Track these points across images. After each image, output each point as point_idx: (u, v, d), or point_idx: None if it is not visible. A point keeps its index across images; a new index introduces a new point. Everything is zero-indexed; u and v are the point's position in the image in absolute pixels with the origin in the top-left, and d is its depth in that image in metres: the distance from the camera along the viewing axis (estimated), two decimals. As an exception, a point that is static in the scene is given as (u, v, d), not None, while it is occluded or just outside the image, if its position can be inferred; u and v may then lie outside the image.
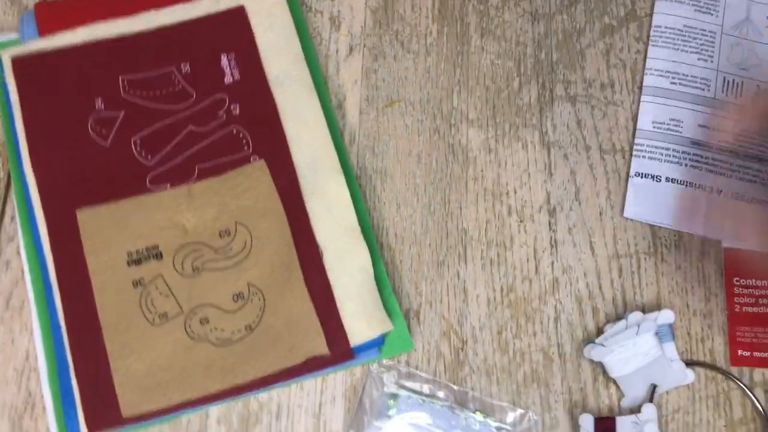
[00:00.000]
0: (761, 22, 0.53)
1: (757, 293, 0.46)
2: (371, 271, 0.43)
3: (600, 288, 0.46)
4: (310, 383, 0.43)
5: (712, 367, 0.44)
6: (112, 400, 0.40)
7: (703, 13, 0.53)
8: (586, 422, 0.42)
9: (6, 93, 0.45)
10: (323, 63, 0.50)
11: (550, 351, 0.44)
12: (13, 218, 0.45)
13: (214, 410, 0.43)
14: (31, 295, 0.43)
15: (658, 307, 0.45)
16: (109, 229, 0.43)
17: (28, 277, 0.43)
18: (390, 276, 0.45)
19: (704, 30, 0.52)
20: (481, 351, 0.44)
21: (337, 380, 0.43)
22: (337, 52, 0.50)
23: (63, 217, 0.43)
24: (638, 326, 0.43)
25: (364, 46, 0.50)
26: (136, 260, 0.42)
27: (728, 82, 0.51)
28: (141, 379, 0.40)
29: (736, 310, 0.45)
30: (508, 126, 0.49)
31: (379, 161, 0.48)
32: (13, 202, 0.45)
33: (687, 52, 0.52)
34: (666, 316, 0.43)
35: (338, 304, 0.42)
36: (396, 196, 0.47)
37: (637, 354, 0.43)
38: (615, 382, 0.44)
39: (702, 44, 0.52)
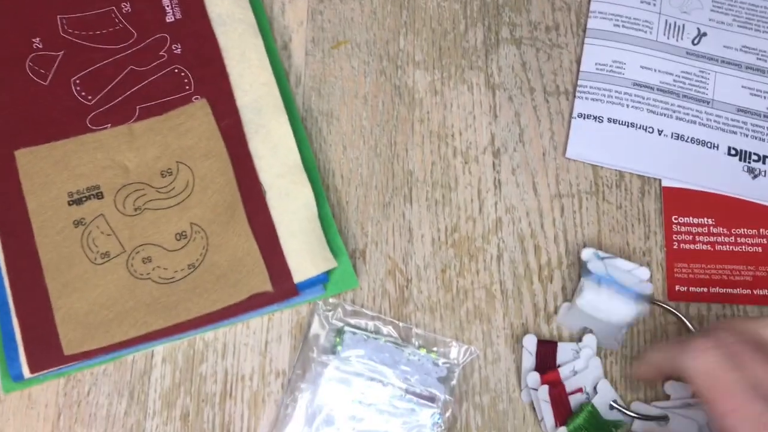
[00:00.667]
0: (704, -34, 0.53)
1: (694, 231, 0.47)
2: (315, 209, 0.43)
3: (542, 227, 0.47)
4: (256, 322, 0.44)
5: (654, 302, 0.45)
6: (54, 339, 0.40)
7: (649, -42, 0.53)
8: (529, 343, 0.43)
9: (-61, 32, 0.44)
10: (268, 3, 0.49)
11: (493, 288, 0.45)
12: (-50, 160, 0.45)
13: (160, 349, 0.43)
14: (-30, 237, 0.42)
15: (599, 244, 0.46)
16: (49, 169, 0.42)
17: (-34, 219, 0.43)
18: (336, 217, 0.46)
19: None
20: (425, 289, 0.45)
21: (283, 319, 0.44)
22: (282, -7, 0.50)
23: (2, 157, 0.42)
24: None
25: (310, -13, 0.50)
26: (76, 200, 0.42)
27: (670, 24, 0.52)
28: (83, 317, 0.40)
29: (675, 247, 0.46)
30: (454, 68, 0.49)
31: (325, 103, 0.48)
32: (-50, 145, 0.45)
33: (632, -2, 0.52)
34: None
35: (282, 242, 0.42)
36: (342, 138, 0.47)
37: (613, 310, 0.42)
38: (555, 313, 0.45)
39: (647, -14, 0.53)
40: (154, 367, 0.43)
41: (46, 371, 0.40)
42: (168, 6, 0.46)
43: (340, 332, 0.43)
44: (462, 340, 0.44)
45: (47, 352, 0.39)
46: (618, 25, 0.51)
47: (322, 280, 0.42)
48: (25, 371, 0.39)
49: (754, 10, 0.52)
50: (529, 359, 0.43)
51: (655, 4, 0.52)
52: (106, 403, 0.42)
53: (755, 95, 0.50)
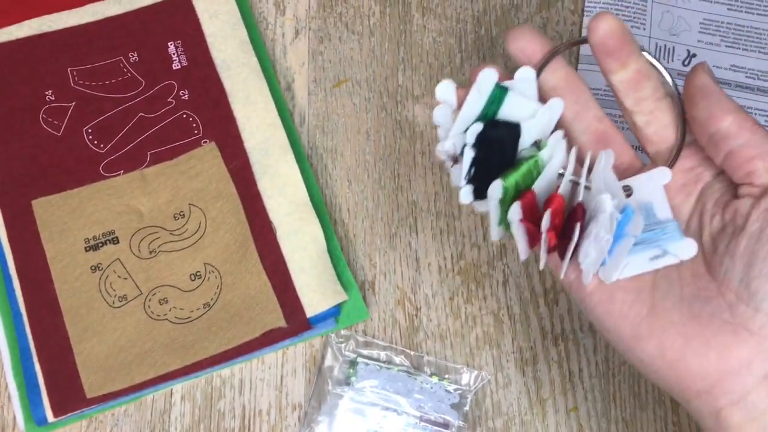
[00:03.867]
0: (690, -10, 0.55)
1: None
2: (324, 244, 0.44)
3: (546, 251, 0.48)
4: (271, 357, 0.45)
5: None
6: (76, 382, 0.41)
7: (636, -17, 0.55)
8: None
9: (-45, 89, 0.46)
10: (270, 47, 0.51)
11: (500, 313, 0.46)
12: (-31, 212, 0.46)
13: (178, 388, 0.44)
14: (-10, 287, 0.44)
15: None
16: (65, 217, 0.43)
17: (-14, 268, 0.44)
18: (344, 250, 0.47)
19: (636, 0, 0.55)
20: (434, 317, 0.46)
21: (297, 353, 0.45)
22: (283, 35, 0.51)
23: (19, 207, 0.44)
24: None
25: (310, 29, 0.52)
26: (93, 246, 0.43)
27: (660, 47, 0.53)
28: (103, 360, 0.41)
29: (675, 264, 0.48)
30: (452, 100, 0.51)
31: (329, 140, 0.49)
32: (-32, 197, 0.46)
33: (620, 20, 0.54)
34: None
35: (293, 278, 0.43)
36: (347, 173, 0.49)
37: None
38: (564, 340, 0.46)
39: (635, 13, 0.54)
40: (173, 406, 0.44)
41: (69, 414, 0.41)
42: (174, 54, 0.48)
43: (353, 363, 0.44)
44: (473, 366, 0.45)
45: (70, 396, 0.40)
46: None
47: (334, 313, 0.44)
48: (49, 415, 0.40)
49: (740, 30, 0.54)
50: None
51: (645, 29, 0.54)
52: (128, 443, 0.43)
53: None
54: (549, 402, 0.45)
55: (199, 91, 0.47)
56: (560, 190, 0.32)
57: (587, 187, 0.32)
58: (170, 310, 0.42)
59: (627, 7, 0.54)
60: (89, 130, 0.46)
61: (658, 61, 0.31)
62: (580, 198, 0.32)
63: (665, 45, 0.53)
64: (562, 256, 0.32)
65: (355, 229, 0.48)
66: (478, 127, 0.31)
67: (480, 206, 0.33)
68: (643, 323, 0.31)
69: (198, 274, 0.43)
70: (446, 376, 0.44)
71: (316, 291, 0.43)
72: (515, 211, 0.31)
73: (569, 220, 0.32)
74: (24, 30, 0.47)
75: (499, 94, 0.31)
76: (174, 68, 0.47)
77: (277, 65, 0.51)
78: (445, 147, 0.32)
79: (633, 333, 0.32)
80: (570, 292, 0.34)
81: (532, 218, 0.32)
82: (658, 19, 0.54)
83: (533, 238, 0.32)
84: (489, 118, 0.32)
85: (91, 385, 0.41)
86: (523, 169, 0.31)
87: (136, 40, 0.48)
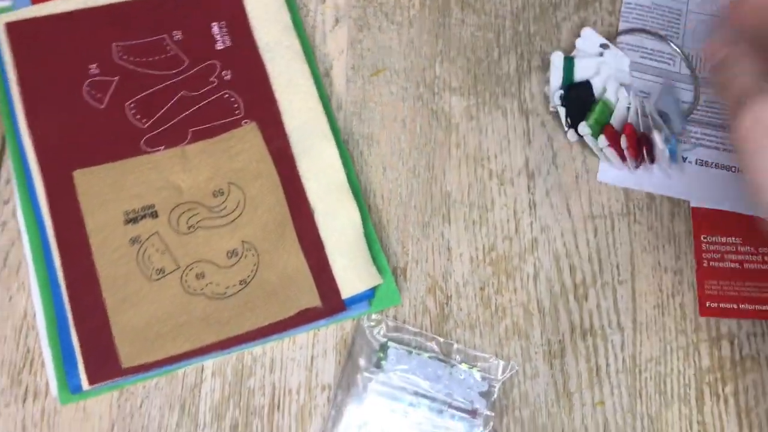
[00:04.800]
0: (724, -1, 0.56)
1: (722, 249, 0.48)
2: (361, 227, 0.45)
3: (576, 247, 0.48)
4: (302, 337, 0.45)
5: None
6: (111, 352, 0.41)
7: (670, -9, 0.56)
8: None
9: (0, 58, 0.46)
10: (310, 33, 0.51)
11: (530, 306, 0.47)
12: (8, 181, 0.46)
13: (209, 363, 0.44)
14: (28, 255, 0.44)
15: (631, 265, 0.48)
16: (105, 189, 0.44)
17: (25, 237, 0.44)
18: (377, 235, 0.47)
19: (671, 7, 0.55)
20: (465, 306, 0.46)
21: (328, 334, 0.45)
22: (323, 22, 0.52)
23: (60, 178, 0.44)
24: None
25: (350, 17, 0.52)
26: (132, 219, 0.44)
27: (693, 56, 0.54)
28: (139, 331, 0.41)
29: (704, 265, 0.48)
30: (489, 94, 0.51)
31: (366, 127, 0.50)
32: (8, 166, 0.46)
33: (655, 28, 0.54)
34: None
35: (330, 259, 0.43)
36: (382, 160, 0.49)
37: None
38: (592, 335, 0.46)
39: (669, 21, 0.55)
40: (204, 381, 0.44)
41: (103, 383, 0.41)
42: (218, 34, 0.48)
43: (384, 347, 0.44)
44: (501, 356, 0.46)
45: (105, 365, 0.41)
46: (644, 57, 0.53)
47: (368, 296, 0.44)
48: (84, 383, 0.41)
49: (773, 39, 0.54)
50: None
51: (678, 37, 0.54)
52: (158, 415, 0.43)
53: None
54: (576, 395, 0.45)
55: (242, 72, 0.47)
56: (629, 119, 0.49)
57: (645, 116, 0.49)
58: (206, 286, 0.43)
59: (662, 15, 0.55)
60: (131, 105, 0.46)
61: (690, 68, 0.44)
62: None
63: (698, 54, 0.54)
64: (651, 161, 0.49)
65: (388, 215, 0.48)
66: (560, 92, 0.50)
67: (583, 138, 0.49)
68: None
69: (235, 251, 0.43)
70: (475, 364, 0.45)
71: (352, 273, 0.43)
72: (602, 140, 0.48)
73: (640, 141, 0.48)
74: (72, 3, 0.47)
75: (568, 64, 0.50)
76: (217, 48, 0.48)
77: (316, 51, 0.51)
78: (549, 108, 0.51)
79: None
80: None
81: (615, 142, 0.48)
82: (693, 27, 0.55)
83: (621, 155, 0.48)
84: (568, 81, 0.50)
85: (126, 355, 0.41)
86: (597, 110, 0.49)
87: (180, 19, 0.48)
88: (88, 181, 0.44)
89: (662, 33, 0.54)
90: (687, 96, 0.52)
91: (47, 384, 0.43)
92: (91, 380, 0.40)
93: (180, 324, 0.42)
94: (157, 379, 0.43)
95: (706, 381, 0.46)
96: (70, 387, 0.41)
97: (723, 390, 0.45)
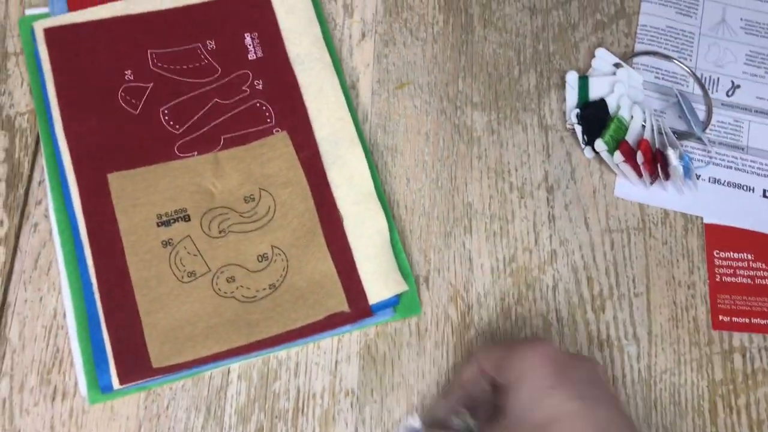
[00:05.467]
0: (735, 23, 0.58)
1: (735, 265, 0.50)
2: (388, 235, 0.46)
3: (594, 259, 0.50)
4: (327, 342, 0.46)
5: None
6: (142, 352, 0.42)
7: (684, 15, 0.58)
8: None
9: (38, 62, 0.47)
10: (337, 47, 0.53)
11: (549, 316, 0.48)
12: (41, 183, 0.47)
13: (236, 367, 0.45)
14: (60, 255, 0.44)
15: (647, 278, 0.49)
16: (139, 192, 0.45)
17: (57, 238, 0.45)
18: (402, 244, 0.48)
19: (684, 30, 0.57)
20: (485, 316, 0.48)
21: (352, 340, 0.46)
22: (350, 37, 0.53)
23: (95, 180, 0.45)
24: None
25: (376, 32, 0.54)
26: (165, 222, 0.44)
27: (705, 78, 0.56)
28: (170, 332, 0.42)
29: (717, 280, 0.49)
30: (509, 110, 0.53)
31: (390, 139, 0.51)
32: (41, 168, 0.47)
33: (668, 50, 0.56)
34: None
35: (358, 265, 0.44)
36: (406, 171, 0.50)
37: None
38: (609, 346, 0.47)
39: (682, 44, 0.57)
40: (230, 384, 0.44)
41: (134, 383, 0.41)
42: (250, 45, 0.49)
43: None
44: (521, 364, 0.46)
45: (136, 365, 0.41)
46: (659, 78, 0.55)
47: (394, 303, 0.45)
48: (115, 382, 0.41)
49: (784, 64, 0.56)
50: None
51: (691, 59, 0.56)
52: (184, 417, 0.44)
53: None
54: (593, 404, 0.46)
55: (273, 81, 0.48)
56: (645, 136, 0.51)
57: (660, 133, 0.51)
58: (237, 289, 0.44)
59: (675, 37, 0.57)
60: (165, 111, 0.47)
61: (703, 89, 0.47)
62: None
63: (710, 76, 0.56)
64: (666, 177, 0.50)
65: (411, 225, 0.49)
66: (576, 111, 0.52)
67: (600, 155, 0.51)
68: None
69: (265, 255, 0.44)
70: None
71: (379, 279, 0.44)
72: (618, 156, 0.50)
73: (655, 157, 0.50)
74: (108, 11, 0.48)
75: (583, 83, 0.53)
76: (249, 58, 0.49)
77: (343, 64, 0.52)
78: (567, 125, 0.53)
79: None
80: None
81: (630, 158, 0.50)
82: (705, 50, 0.57)
83: (637, 171, 0.50)
84: (584, 100, 0.53)
85: (157, 356, 0.42)
86: (612, 127, 0.51)
87: (214, 28, 0.49)
88: (122, 184, 0.45)
89: (674, 55, 0.56)
90: (700, 115, 0.54)
91: (76, 384, 0.43)
92: (122, 380, 0.41)
93: (210, 326, 0.43)
94: (183, 381, 0.44)
95: (719, 393, 0.47)
96: (100, 386, 0.41)
97: (735, 402, 0.47)
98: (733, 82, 0.56)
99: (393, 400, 0.45)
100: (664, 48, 0.56)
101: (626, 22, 0.56)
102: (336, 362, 0.46)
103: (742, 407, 0.47)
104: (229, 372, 0.45)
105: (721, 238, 0.50)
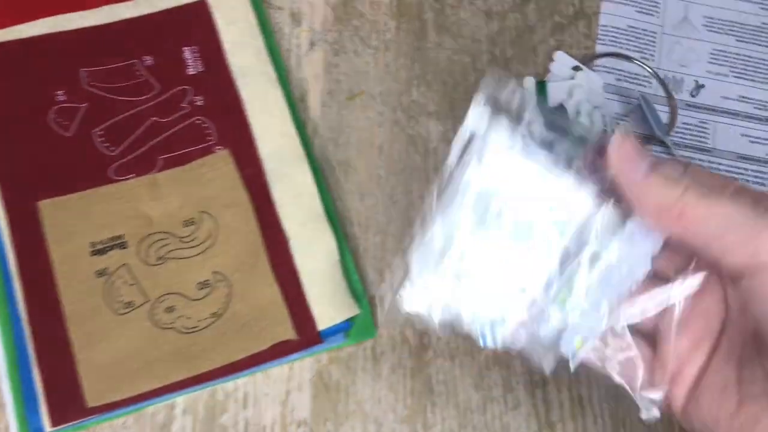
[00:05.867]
0: (698, 21, 0.56)
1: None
2: (337, 257, 0.43)
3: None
4: (277, 371, 0.43)
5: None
6: (76, 391, 0.39)
7: (645, 14, 0.56)
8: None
9: (-38, 84, 0.44)
10: (285, 57, 0.50)
11: (511, 334, 0.46)
12: (-31, 211, 0.45)
13: (180, 400, 0.42)
14: (-12, 290, 0.42)
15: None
16: (72, 220, 0.42)
17: (-15, 271, 0.42)
18: (355, 264, 0.46)
19: (646, 30, 0.55)
20: (444, 336, 0.45)
21: (303, 367, 0.44)
22: (298, 46, 0.51)
23: (24, 208, 0.42)
24: None
25: (325, 41, 0.51)
26: (100, 250, 0.42)
27: (669, 78, 0.54)
28: (106, 368, 0.40)
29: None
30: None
31: (342, 153, 0.49)
32: (-31, 196, 0.45)
33: (630, 50, 0.54)
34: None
35: (305, 290, 0.42)
36: (359, 187, 0.48)
37: None
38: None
39: (644, 44, 0.55)
40: (174, 419, 0.42)
41: (67, 425, 0.39)
42: (190, 59, 0.47)
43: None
44: (481, 387, 0.44)
45: (70, 405, 0.39)
46: (621, 80, 0.53)
47: (345, 327, 0.43)
48: (46, 425, 0.39)
49: (748, 61, 0.55)
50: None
51: (654, 60, 0.54)
52: (126, 456, 0.41)
53: (755, 142, 0.52)
54: (558, 425, 0.44)
55: (214, 97, 0.46)
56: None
57: None
58: (177, 319, 0.41)
59: (637, 37, 0.55)
60: (100, 133, 0.45)
61: (666, 90, 0.40)
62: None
63: (674, 76, 0.54)
64: None
65: (366, 243, 0.47)
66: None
67: None
68: (734, 422, 0.29)
69: (207, 282, 0.42)
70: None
71: (328, 304, 0.42)
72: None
73: None
74: (37, 28, 0.46)
75: (541, 88, 0.49)
76: (189, 73, 0.47)
77: (290, 76, 0.50)
78: None
79: None
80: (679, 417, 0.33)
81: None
82: (668, 50, 0.55)
83: None
84: (543, 104, 0.48)
85: (92, 394, 0.39)
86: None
87: (151, 43, 0.47)
88: (54, 212, 0.42)
89: (636, 55, 0.54)
90: (664, 118, 0.52)
91: (8, 428, 0.41)
92: (55, 422, 0.39)
93: (149, 360, 0.40)
94: (124, 419, 0.42)
95: (690, 408, 0.45)
96: (31, 429, 0.39)
97: (707, 418, 0.45)
98: (697, 82, 0.54)
99: (348, 429, 0.43)
100: (626, 48, 0.54)
101: (586, 23, 0.54)
102: (287, 392, 0.43)
103: None
104: (173, 406, 0.42)
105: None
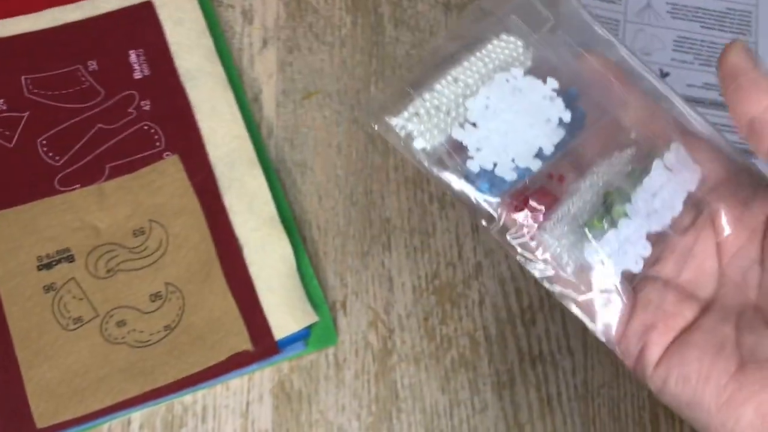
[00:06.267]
0: (662, 8, 0.55)
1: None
2: (293, 262, 0.42)
3: (521, 269, 0.46)
4: (236, 382, 0.42)
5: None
6: (25, 412, 0.38)
7: (608, 2, 0.55)
8: None
9: None
10: (237, 57, 0.49)
11: (476, 334, 0.45)
12: None
13: (137, 416, 0.41)
14: (-69, 309, 0.40)
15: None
16: (16, 234, 0.41)
17: (-72, 289, 0.41)
18: (314, 269, 0.45)
19: (609, 18, 0.54)
20: (408, 339, 0.44)
21: (264, 377, 0.43)
22: (250, 45, 0.50)
23: (-35, 223, 0.41)
24: None
25: (278, 39, 0.50)
26: (46, 264, 0.41)
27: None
28: (56, 387, 0.38)
29: (653, 283, 0.47)
30: (426, 115, 0.49)
31: (299, 154, 0.48)
32: None
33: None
34: None
35: (261, 298, 0.41)
36: (317, 188, 0.47)
37: None
38: (542, 362, 0.44)
39: (607, 31, 0.54)
40: (131, 435, 0.41)
41: (16, 446, 0.38)
42: (135, 63, 0.45)
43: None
44: (448, 390, 0.43)
45: (18, 427, 0.38)
46: (584, 67, 0.52)
47: (304, 335, 0.41)
48: (-6, 448, 0.37)
49: (714, 48, 0.54)
50: None
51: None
52: (81, 476, 0.40)
53: (720, 130, 0.51)
54: (527, 427, 0.43)
55: (162, 101, 0.44)
56: None
57: None
58: (128, 333, 0.40)
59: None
60: (44, 142, 0.43)
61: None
62: None
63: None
64: None
65: (325, 246, 0.46)
66: None
67: None
68: (731, 383, 0.26)
69: (159, 294, 0.41)
70: (421, 400, 0.42)
71: (285, 312, 0.41)
72: None
73: None
74: (-26, 35, 0.44)
75: None
76: (135, 77, 0.45)
77: (243, 76, 0.49)
78: None
79: (720, 398, 0.26)
80: (635, 372, 0.30)
81: None
82: (632, 37, 0.54)
83: None
84: None
85: (41, 415, 0.38)
86: None
87: (95, 47, 0.45)
88: (-3, 226, 0.41)
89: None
90: (629, 109, 0.51)
91: (-44, 450, 0.39)
92: (2, 444, 0.37)
93: (101, 376, 0.39)
94: (79, 436, 0.40)
95: (660, 403, 0.44)
96: (-21, 452, 0.37)
97: (678, 412, 0.44)
98: (661, 70, 0.53)
99: (311, 439, 0.42)
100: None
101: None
102: (247, 403, 0.42)
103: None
104: (129, 422, 0.41)
105: (654, 238, 0.48)
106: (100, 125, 0.44)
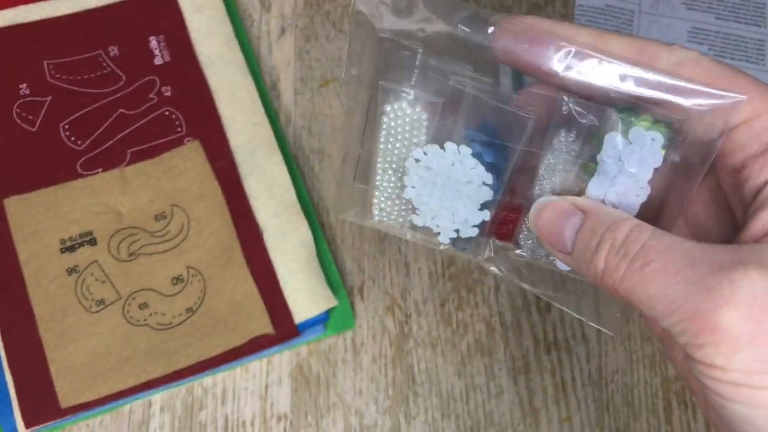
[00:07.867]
0: (677, -1, 0.55)
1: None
2: (313, 247, 0.43)
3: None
4: (255, 365, 0.43)
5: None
6: (49, 391, 0.38)
7: (623, -8, 0.55)
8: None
9: None
10: (255, 44, 0.49)
11: (492, 320, 0.45)
12: (-66, 211, 0.43)
13: (157, 398, 0.42)
14: (-45, 292, 0.41)
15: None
16: (40, 217, 0.41)
17: (-49, 272, 0.41)
18: (332, 255, 0.45)
19: (623, 9, 0.54)
20: (425, 324, 0.45)
21: (282, 360, 0.43)
22: (268, 33, 0.50)
23: (-11, 206, 0.41)
24: None
25: (296, 26, 0.50)
26: (69, 247, 0.41)
27: (649, 56, 0.53)
28: (79, 367, 0.39)
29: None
30: (442, 103, 0.50)
31: (316, 141, 0.48)
32: (-67, 195, 0.43)
33: (608, 30, 0.53)
34: None
35: (281, 282, 0.41)
36: (335, 175, 0.47)
37: None
38: (556, 348, 0.45)
39: (622, 23, 0.54)
40: (152, 417, 0.41)
41: (41, 426, 0.38)
42: (156, 49, 0.46)
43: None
44: (464, 375, 0.44)
45: (43, 406, 0.38)
46: (599, 57, 0.52)
47: (323, 319, 0.42)
48: (20, 427, 0.38)
49: (728, 39, 0.54)
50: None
51: (632, 36, 0.53)
52: (103, 456, 0.41)
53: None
54: (542, 412, 0.44)
55: (183, 87, 0.45)
56: None
57: None
58: (150, 315, 0.40)
59: (615, 17, 0.54)
60: (66, 126, 0.43)
61: None
62: None
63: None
64: None
65: (343, 233, 0.46)
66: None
67: None
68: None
69: (180, 277, 0.41)
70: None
71: (305, 296, 0.41)
72: None
73: None
74: (-3, 20, 0.45)
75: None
76: (156, 63, 0.45)
77: (262, 63, 0.49)
78: None
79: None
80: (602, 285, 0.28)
81: None
82: (646, 29, 0.54)
83: None
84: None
85: (66, 395, 0.38)
86: None
87: (116, 33, 0.46)
88: (21, 209, 0.41)
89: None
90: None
91: (-19, 429, 0.40)
92: (28, 424, 0.38)
93: (123, 358, 0.39)
94: (101, 417, 0.41)
95: (673, 390, 0.45)
96: None
97: (691, 398, 0.44)
98: (676, 61, 0.53)
99: (329, 422, 0.42)
100: (604, 28, 0.53)
101: (563, 2, 0.54)
102: (266, 386, 0.43)
103: (697, 403, 0.44)
104: (150, 404, 0.42)
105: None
106: (121, 110, 0.44)
